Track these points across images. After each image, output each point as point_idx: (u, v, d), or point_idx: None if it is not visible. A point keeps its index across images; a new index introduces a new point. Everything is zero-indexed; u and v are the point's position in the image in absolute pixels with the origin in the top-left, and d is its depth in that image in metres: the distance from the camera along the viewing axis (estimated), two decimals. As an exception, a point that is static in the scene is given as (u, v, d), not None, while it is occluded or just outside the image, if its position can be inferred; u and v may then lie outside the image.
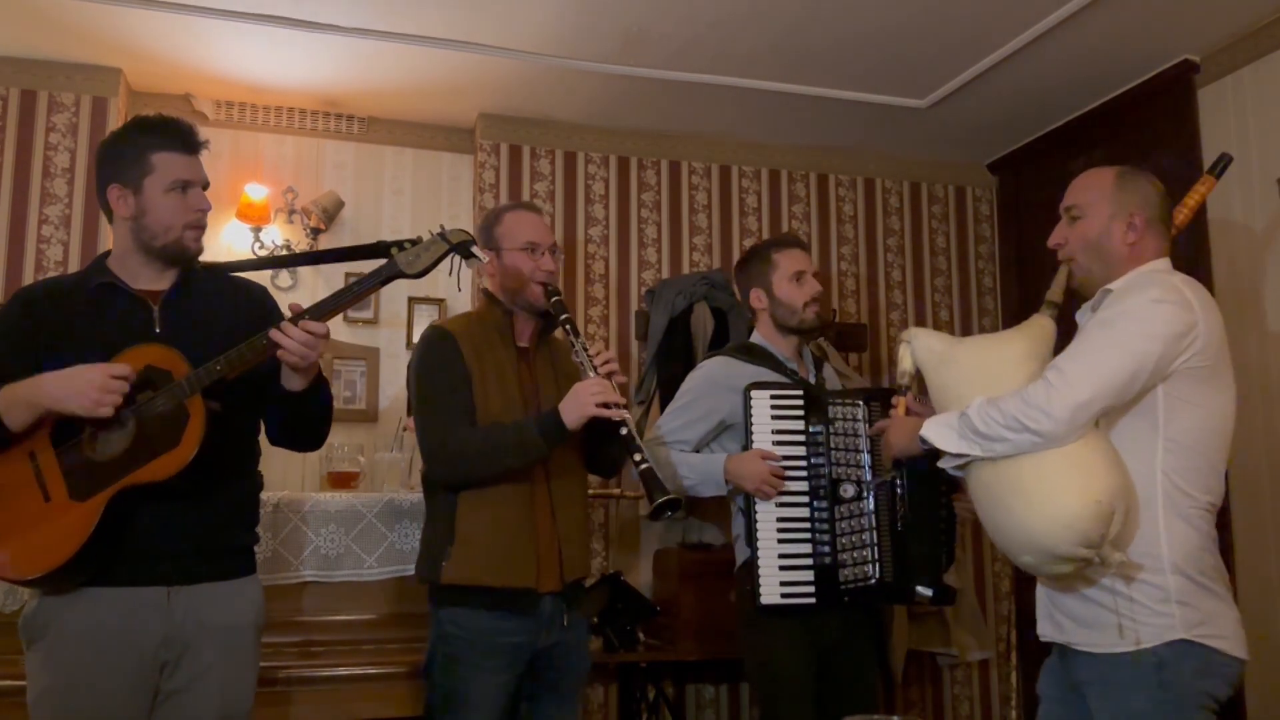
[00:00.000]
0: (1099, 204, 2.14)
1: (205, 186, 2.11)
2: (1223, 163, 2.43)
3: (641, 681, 3.78)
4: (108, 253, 2.13)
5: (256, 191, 3.87)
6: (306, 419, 2.17)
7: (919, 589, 2.56)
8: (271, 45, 3.58)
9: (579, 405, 2.22)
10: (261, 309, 2.18)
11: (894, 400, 2.37)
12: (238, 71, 3.79)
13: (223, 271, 2.26)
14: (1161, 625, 1.88)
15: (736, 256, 4.43)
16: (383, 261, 2.08)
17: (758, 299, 2.85)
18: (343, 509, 2.97)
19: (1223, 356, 1.99)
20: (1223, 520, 3.52)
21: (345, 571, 2.93)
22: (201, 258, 2.16)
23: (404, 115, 4.19)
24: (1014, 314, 4.64)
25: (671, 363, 3.96)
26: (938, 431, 2.03)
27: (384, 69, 3.77)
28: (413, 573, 2.92)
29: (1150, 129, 3.89)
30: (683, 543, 3.89)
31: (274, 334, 1.95)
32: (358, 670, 2.74)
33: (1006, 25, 3.46)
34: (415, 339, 3.88)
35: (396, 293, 4.11)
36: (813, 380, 2.82)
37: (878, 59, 3.71)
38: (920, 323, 4.64)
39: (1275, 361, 3.42)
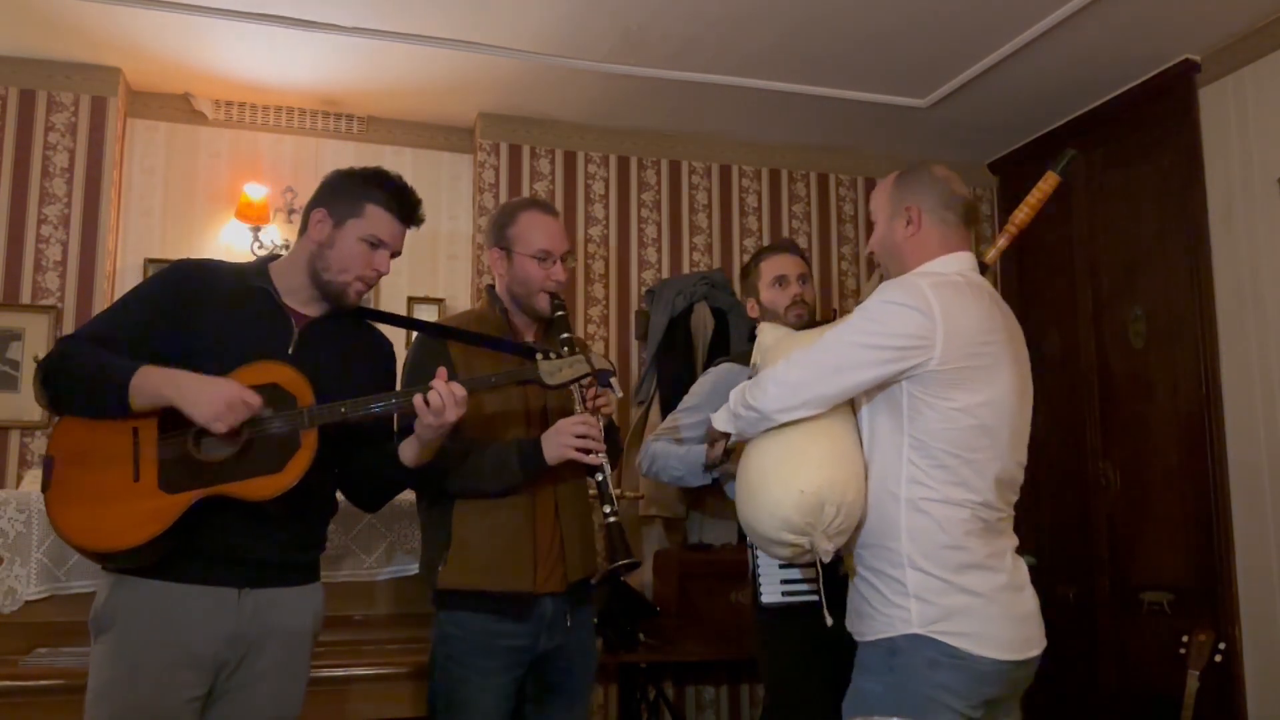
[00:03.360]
0: (882, 205, 2.15)
1: (395, 254, 2.17)
2: (1065, 159, 2.30)
3: (641, 682, 3.77)
4: (275, 257, 2.18)
5: (256, 191, 3.87)
6: (391, 486, 2.23)
7: None
8: (271, 45, 3.58)
9: (559, 444, 2.22)
10: (386, 362, 2.25)
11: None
12: (237, 71, 3.79)
13: (363, 318, 2.30)
14: (897, 617, 1.92)
15: (737, 256, 4.45)
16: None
17: (752, 308, 2.89)
18: (343, 509, 2.96)
19: (982, 358, 1.95)
20: (1222, 520, 3.54)
21: (345, 571, 2.92)
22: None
23: (404, 115, 4.19)
24: (1013, 314, 4.63)
25: (671, 363, 3.96)
26: (719, 414, 2.15)
27: (384, 69, 3.77)
28: (412, 573, 2.93)
29: (1150, 129, 3.89)
30: (683, 543, 3.89)
31: (418, 398, 2.00)
32: (357, 671, 2.72)
33: (1006, 25, 3.46)
34: (414, 338, 3.87)
35: (395, 292, 4.11)
36: None
37: (878, 59, 3.71)
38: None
39: (1275, 361, 3.42)
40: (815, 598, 2.55)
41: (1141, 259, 3.90)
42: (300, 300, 2.11)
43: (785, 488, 1.94)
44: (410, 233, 2.27)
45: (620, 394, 2.29)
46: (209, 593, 1.97)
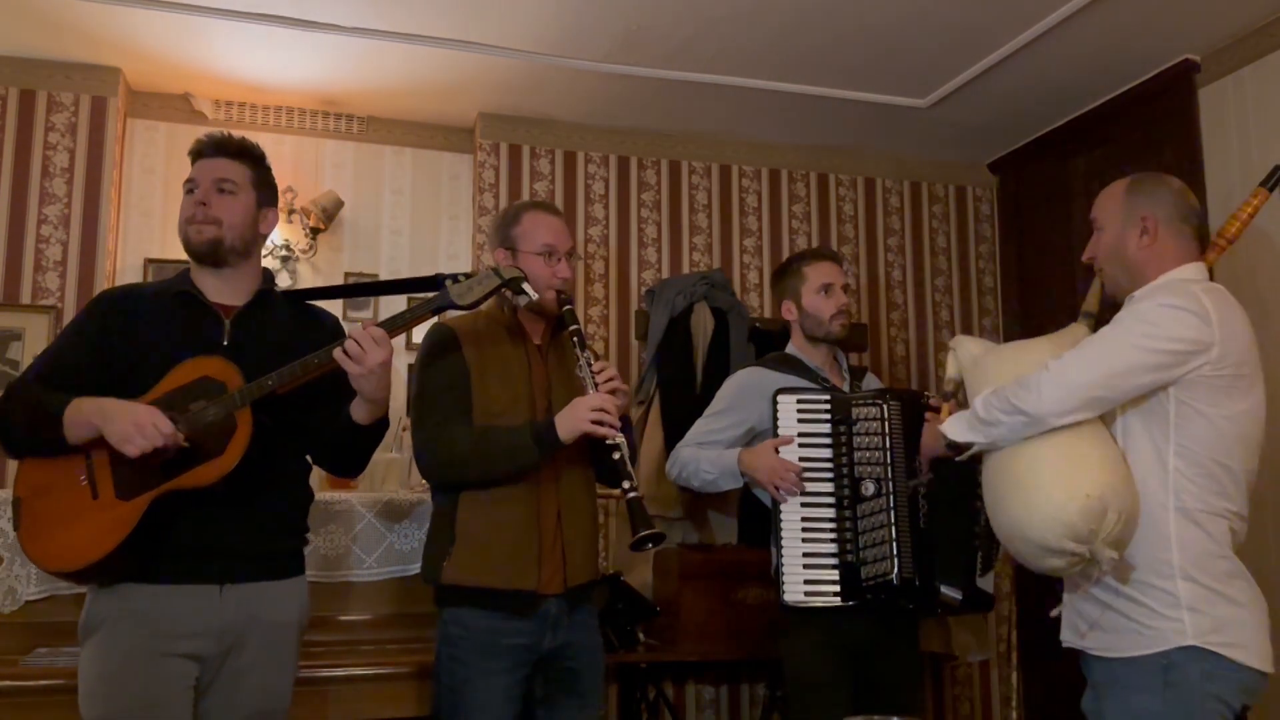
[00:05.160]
0: (1113, 213, 2.13)
1: (224, 184, 2.16)
2: (1276, 176, 2.41)
3: (641, 681, 3.77)
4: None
5: (256, 191, 3.86)
6: (359, 450, 2.27)
7: (944, 589, 2.53)
8: (271, 45, 3.58)
9: (574, 420, 2.22)
10: (331, 336, 2.25)
11: (934, 404, 2.44)
12: (237, 71, 3.79)
13: (299, 298, 2.36)
14: (1171, 630, 1.88)
15: (737, 256, 4.45)
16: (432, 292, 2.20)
17: (788, 311, 2.92)
18: (343, 509, 2.97)
19: (1247, 366, 1.96)
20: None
21: (345, 571, 2.93)
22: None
23: (403, 115, 4.19)
24: (1014, 314, 4.64)
25: (671, 363, 3.95)
26: (952, 424, 2.10)
27: (384, 69, 3.77)
28: (412, 573, 2.93)
29: (1150, 129, 3.89)
30: (683, 543, 3.89)
31: (338, 351, 2.04)
32: (357, 671, 2.73)
33: (1006, 25, 3.46)
34: (415, 337, 3.88)
35: (396, 292, 4.11)
36: (847, 389, 2.85)
37: (878, 58, 3.71)
38: (921, 323, 4.65)
39: (1275, 362, 3.42)
40: (838, 601, 2.57)
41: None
42: (224, 293, 2.17)
43: (1069, 492, 1.87)
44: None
45: (536, 296, 2.27)
46: (191, 590, 2.01)
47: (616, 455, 2.21)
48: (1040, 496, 1.91)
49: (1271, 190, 2.38)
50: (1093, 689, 2.06)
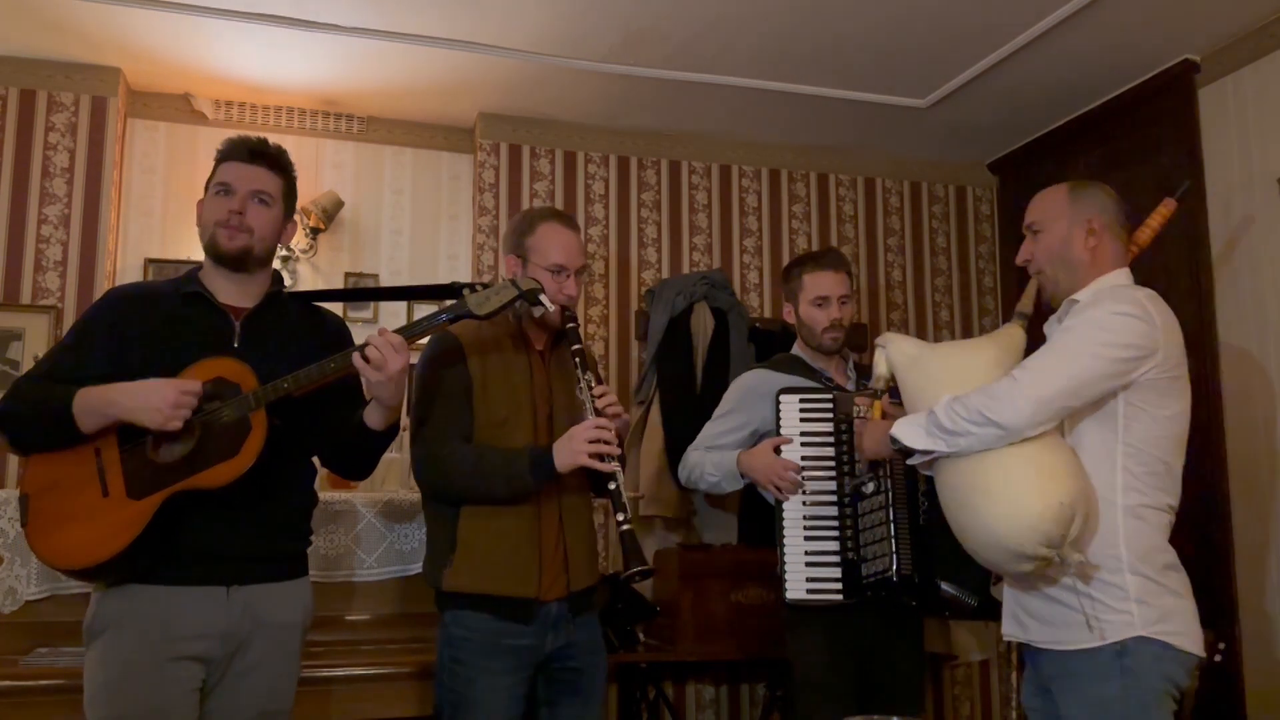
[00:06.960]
0: (1056, 216, 2.21)
1: (262, 196, 2.15)
2: (1183, 188, 2.60)
3: (641, 681, 3.77)
4: (201, 264, 2.22)
5: (256, 191, 3.86)
6: (370, 453, 2.26)
7: (944, 587, 2.53)
8: (271, 45, 3.58)
9: (572, 451, 2.20)
10: (337, 339, 2.25)
11: (868, 403, 2.46)
12: (237, 71, 3.79)
13: (306, 300, 2.36)
14: (1121, 622, 1.97)
15: (737, 256, 4.45)
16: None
17: (788, 314, 2.94)
18: (344, 509, 2.97)
19: (1181, 368, 2.08)
20: (1222, 520, 3.53)
21: (345, 571, 2.93)
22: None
23: (403, 115, 4.19)
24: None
25: (671, 363, 3.96)
26: (906, 430, 2.12)
27: (384, 69, 3.77)
28: (413, 573, 2.93)
29: (1150, 129, 3.89)
30: (683, 543, 3.90)
31: (356, 356, 2.03)
32: (357, 671, 2.73)
33: (1006, 25, 3.46)
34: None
35: (396, 293, 4.11)
36: (852, 387, 2.85)
37: (878, 58, 3.71)
38: (921, 323, 4.65)
39: (1275, 362, 3.42)
40: (840, 598, 2.58)
41: (1141, 259, 3.88)
42: (233, 294, 2.16)
43: (1045, 501, 1.93)
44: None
45: (553, 308, 2.28)
46: (198, 593, 2.01)
47: (613, 486, 2.19)
48: (1016, 505, 1.96)
49: (1179, 200, 2.54)
50: (1038, 684, 2.13)
